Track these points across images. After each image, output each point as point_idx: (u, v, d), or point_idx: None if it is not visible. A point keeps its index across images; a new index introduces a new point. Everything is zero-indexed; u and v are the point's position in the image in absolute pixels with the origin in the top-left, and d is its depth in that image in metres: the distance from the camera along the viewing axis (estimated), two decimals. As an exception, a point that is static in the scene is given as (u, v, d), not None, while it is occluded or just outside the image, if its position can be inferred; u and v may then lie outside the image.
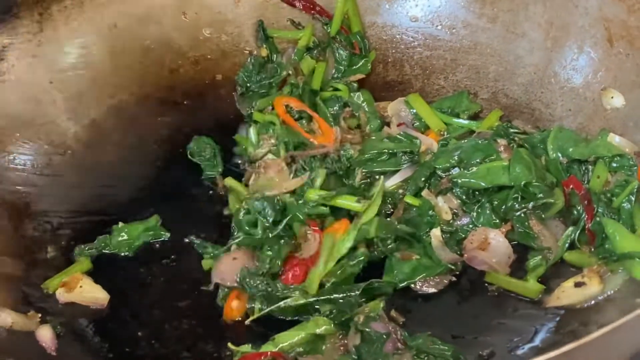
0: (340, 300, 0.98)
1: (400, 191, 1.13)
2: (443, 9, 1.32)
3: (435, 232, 1.05)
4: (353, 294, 0.98)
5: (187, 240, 1.12)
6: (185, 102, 1.32)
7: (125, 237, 1.13)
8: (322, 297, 0.99)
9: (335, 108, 1.25)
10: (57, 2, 1.24)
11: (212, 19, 1.34)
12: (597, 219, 1.03)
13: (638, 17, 1.14)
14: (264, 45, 1.33)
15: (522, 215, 1.05)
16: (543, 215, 1.06)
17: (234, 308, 1.03)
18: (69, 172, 1.21)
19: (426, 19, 1.33)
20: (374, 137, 1.20)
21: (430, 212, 1.08)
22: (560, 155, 1.11)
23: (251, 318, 1.01)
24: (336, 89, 1.29)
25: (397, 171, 1.14)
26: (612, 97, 1.16)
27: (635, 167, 1.06)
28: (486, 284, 1.04)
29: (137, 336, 1.03)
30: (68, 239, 1.14)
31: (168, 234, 1.14)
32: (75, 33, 1.26)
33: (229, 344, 0.98)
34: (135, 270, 1.11)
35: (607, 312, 0.94)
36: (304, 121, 1.21)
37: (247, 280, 1.00)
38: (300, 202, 1.08)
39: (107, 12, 1.28)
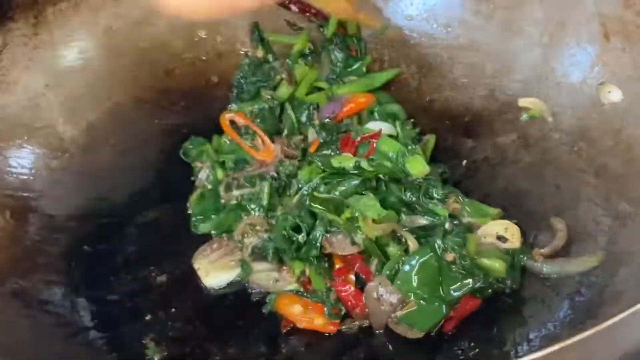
0: None
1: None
2: (438, 7, 1.32)
3: None
4: None
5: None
6: (181, 104, 1.31)
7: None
8: None
9: (305, 114, 1.24)
10: (52, 4, 1.23)
11: (207, 21, 1.33)
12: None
13: (633, 12, 1.14)
14: (259, 46, 1.33)
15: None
16: None
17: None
18: (68, 176, 1.21)
19: (421, 18, 1.33)
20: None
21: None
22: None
23: None
24: (320, 89, 1.28)
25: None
26: (609, 92, 1.16)
27: None
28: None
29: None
30: (68, 242, 1.13)
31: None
32: (71, 36, 1.26)
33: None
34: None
35: (614, 304, 0.95)
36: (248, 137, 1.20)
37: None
38: None
39: (102, 15, 1.28)
